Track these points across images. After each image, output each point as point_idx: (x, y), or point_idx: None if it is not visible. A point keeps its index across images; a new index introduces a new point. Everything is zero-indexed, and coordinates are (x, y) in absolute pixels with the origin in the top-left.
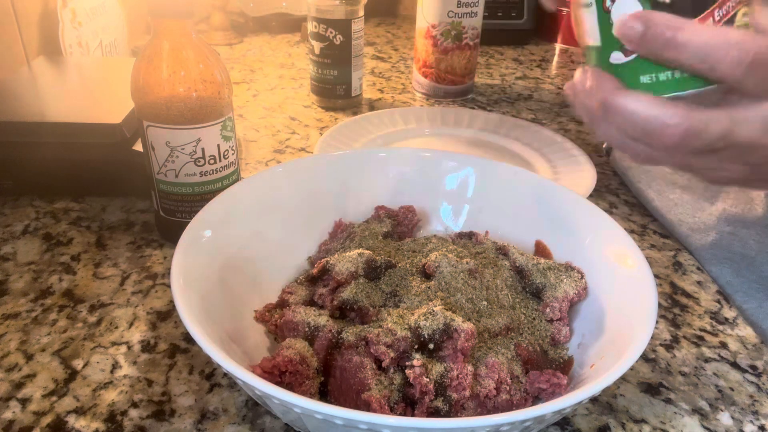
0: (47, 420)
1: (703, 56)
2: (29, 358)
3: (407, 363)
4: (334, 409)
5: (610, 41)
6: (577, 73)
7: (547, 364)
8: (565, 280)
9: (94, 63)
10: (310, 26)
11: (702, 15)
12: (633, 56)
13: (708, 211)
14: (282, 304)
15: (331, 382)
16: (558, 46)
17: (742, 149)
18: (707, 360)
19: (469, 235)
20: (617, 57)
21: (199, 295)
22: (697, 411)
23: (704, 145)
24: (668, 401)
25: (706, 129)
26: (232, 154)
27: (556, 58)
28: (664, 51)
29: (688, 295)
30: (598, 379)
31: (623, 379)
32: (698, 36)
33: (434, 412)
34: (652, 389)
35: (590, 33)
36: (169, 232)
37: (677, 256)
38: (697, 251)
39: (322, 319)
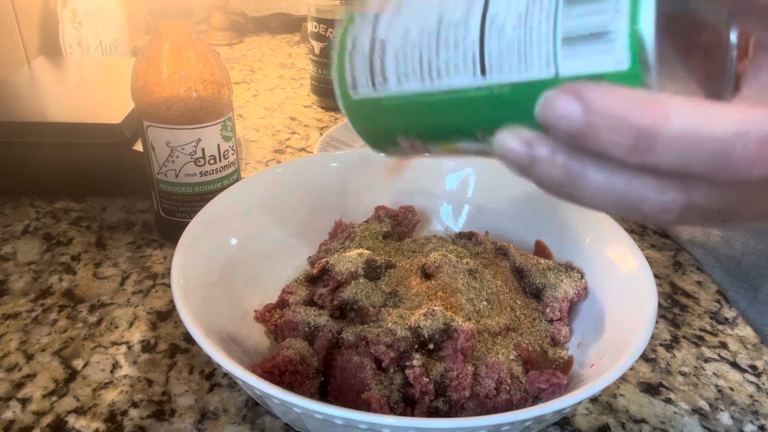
0: (47, 420)
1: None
2: (29, 358)
3: (407, 363)
4: (334, 409)
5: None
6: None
7: (547, 364)
8: (565, 280)
9: (94, 63)
10: (310, 26)
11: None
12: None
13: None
14: (282, 304)
15: (331, 382)
16: None
17: None
18: (707, 360)
19: (469, 235)
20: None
21: (199, 295)
22: (697, 411)
23: None
24: (668, 401)
25: None
26: (232, 154)
27: None
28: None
29: (688, 295)
30: (598, 379)
31: (623, 379)
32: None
33: (434, 412)
34: (652, 389)
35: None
36: (169, 232)
37: (677, 256)
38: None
39: (322, 319)
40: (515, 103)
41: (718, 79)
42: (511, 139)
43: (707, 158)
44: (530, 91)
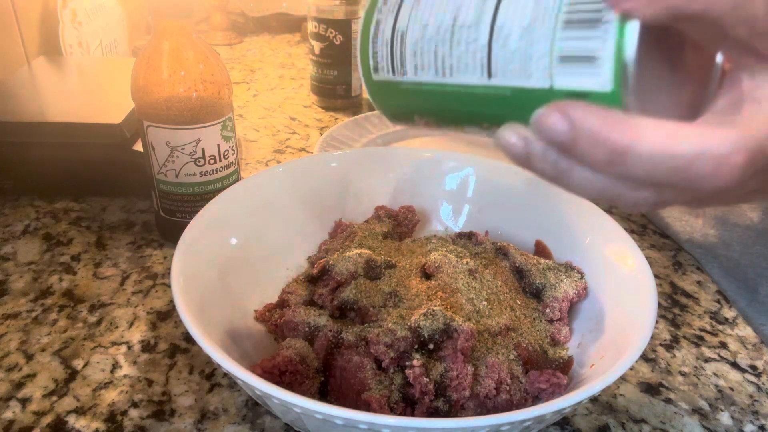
0: (47, 420)
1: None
2: (29, 358)
3: (407, 363)
4: (334, 409)
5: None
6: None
7: (547, 364)
8: (565, 280)
9: (94, 63)
10: (310, 26)
11: None
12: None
13: (693, 215)
14: (282, 304)
15: (331, 382)
16: None
17: None
18: (707, 360)
19: (469, 235)
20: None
21: (199, 295)
22: (697, 411)
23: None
24: (668, 401)
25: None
26: (232, 154)
27: None
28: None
29: (688, 295)
30: (598, 379)
31: (623, 379)
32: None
33: (434, 412)
34: (652, 389)
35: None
36: (169, 232)
37: (677, 256)
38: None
39: (322, 319)
40: (515, 105)
41: (701, 93)
42: (510, 135)
43: (671, 173)
44: (528, 96)
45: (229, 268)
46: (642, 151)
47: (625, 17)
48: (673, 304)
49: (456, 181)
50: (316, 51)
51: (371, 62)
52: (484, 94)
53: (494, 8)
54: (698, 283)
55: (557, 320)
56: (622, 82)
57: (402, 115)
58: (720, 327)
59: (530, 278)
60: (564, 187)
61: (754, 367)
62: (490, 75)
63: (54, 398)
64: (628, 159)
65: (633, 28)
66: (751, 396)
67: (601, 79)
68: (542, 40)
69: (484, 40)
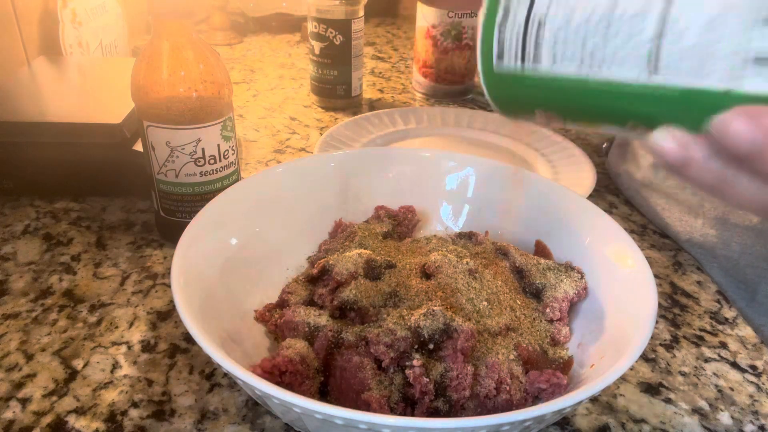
0: (47, 420)
1: None
2: (29, 358)
3: (407, 363)
4: (334, 409)
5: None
6: (674, 137)
7: (547, 364)
8: (565, 280)
9: (94, 63)
10: (310, 26)
11: None
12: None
13: (693, 216)
14: (282, 304)
15: (331, 382)
16: None
17: None
18: (707, 360)
19: (469, 235)
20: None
21: (199, 295)
22: (697, 411)
23: None
24: (668, 401)
25: None
26: (232, 154)
27: None
28: None
29: (688, 295)
30: (598, 379)
31: (623, 379)
32: None
33: (434, 412)
34: (652, 389)
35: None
36: (169, 232)
37: (677, 256)
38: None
39: (322, 319)
40: (681, 106)
41: None
42: (669, 139)
43: None
44: (700, 98)
45: (229, 268)
46: None
47: None
48: (673, 304)
49: (456, 181)
50: (316, 51)
51: (495, 48)
52: (641, 93)
53: None
54: (698, 283)
55: (557, 320)
56: None
57: (522, 108)
58: (720, 327)
59: (530, 278)
60: (722, 197)
61: (754, 367)
62: (655, 71)
63: (54, 398)
64: None
65: None
66: (751, 396)
67: None
68: (734, 36)
69: (652, 32)
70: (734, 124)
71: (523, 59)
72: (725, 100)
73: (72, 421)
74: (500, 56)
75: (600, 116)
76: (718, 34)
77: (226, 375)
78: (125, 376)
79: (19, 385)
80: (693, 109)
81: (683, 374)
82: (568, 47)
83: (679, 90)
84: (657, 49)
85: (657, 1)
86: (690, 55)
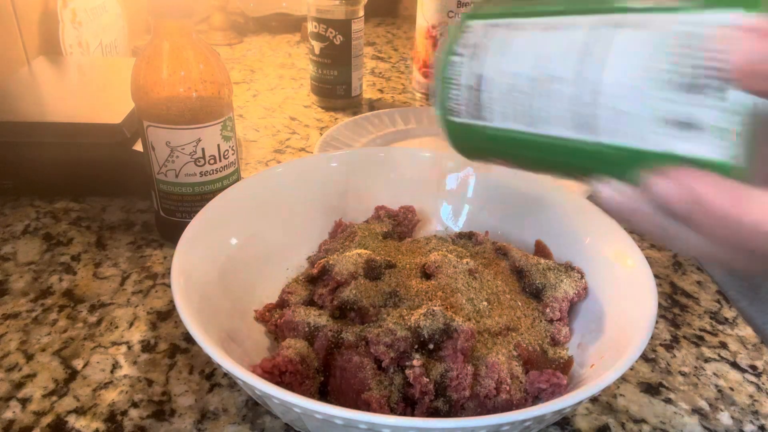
0: (47, 420)
1: None
2: (29, 358)
3: (407, 363)
4: (334, 409)
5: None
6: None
7: (547, 364)
8: (565, 280)
9: (94, 63)
10: (310, 26)
11: None
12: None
13: None
14: (282, 304)
15: (331, 382)
16: None
17: None
18: (707, 360)
19: (469, 235)
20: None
21: (199, 295)
22: (697, 411)
23: None
24: (668, 401)
25: None
26: (232, 154)
27: None
28: None
29: (687, 295)
30: (598, 379)
31: (623, 379)
32: None
33: (434, 412)
34: (652, 389)
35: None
36: (169, 232)
37: (677, 256)
38: None
39: (322, 319)
40: (616, 162)
41: None
42: (612, 192)
43: None
44: (633, 156)
45: (229, 268)
46: (763, 227)
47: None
48: (673, 304)
49: (456, 181)
50: (316, 51)
51: (449, 104)
52: (581, 149)
53: (599, 64)
54: (698, 283)
55: (557, 320)
56: (742, 153)
57: (478, 154)
58: (720, 327)
59: (530, 278)
60: (670, 246)
61: (754, 367)
62: (592, 132)
63: (54, 398)
64: (743, 232)
65: (757, 102)
66: (751, 396)
67: (720, 149)
68: (657, 101)
69: (588, 97)
70: (661, 185)
71: (476, 116)
72: (656, 159)
73: (72, 421)
74: (454, 112)
75: (548, 167)
76: (645, 100)
77: (226, 375)
78: (125, 376)
79: (19, 385)
80: (629, 166)
81: (683, 374)
82: (515, 107)
83: (615, 148)
84: (593, 112)
85: (590, 67)
86: (623, 119)
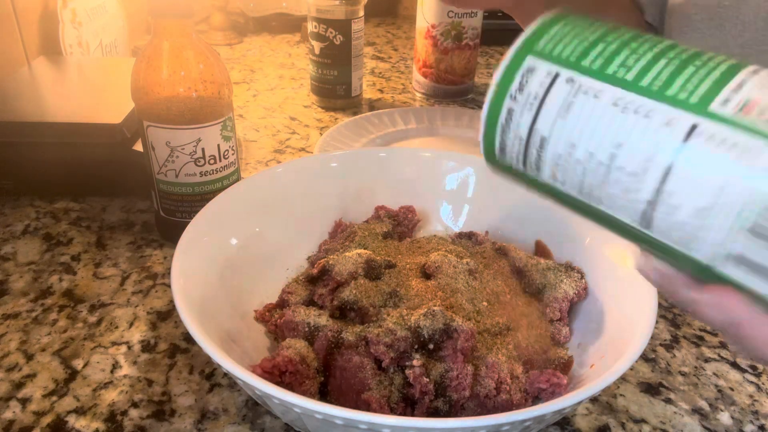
0: (47, 420)
1: None
2: (29, 358)
3: (407, 363)
4: (334, 409)
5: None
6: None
7: (547, 364)
8: (565, 280)
9: (94, 63)
10: (310, 26)
11: None
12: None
13: None
14: (282, 304)
15: (331, 382)
16: None
17: None
18: (707, 360)
19: (469, 235)
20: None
21: (199, 295)
22: (697, 411)
23: None
24: (668, 401)
25: None
26: (232, 154)
27: None
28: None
29: None
30: (598, 379)
31: (623, 379)
32: None
33: (434, 412)
34: (652, 389)
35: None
36: (169, 232)
37: None
38: None
39: (322, 319)
40: (667, 256)
41: None
42: (653, 271)
43: None
44: (685, 259)
45: (229, 268)
46: None
47: None
48: (673, 304)
49: (456, 181)
50: (316, 51)
51: (497, 143)
52: (630, 231)
53: (666, 169)
54: None
55: (557, 320)
56: None
57: (517, 183)
58: None
59: (530, 278)
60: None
61: (754, 367)
62: (646, 228)
63: (54, 398)
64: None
65: None
66: (751, 396)
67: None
68: (717, 230)
69: (647, 196)
70: (703, 307)
71: (524, 165)
72: (706, 272)
73: (72, 421)
74: (502, 151)
75: (592, 219)
76: (707, 223)
77: (226, 375)
78: (125, 376)
79: (19, 385)
80: (678, 262)
81: (683, 374)
82: (567, 175)
83: (666, 247)
84: (650, 212)
85: (656, 168)
86: (679, 229)
